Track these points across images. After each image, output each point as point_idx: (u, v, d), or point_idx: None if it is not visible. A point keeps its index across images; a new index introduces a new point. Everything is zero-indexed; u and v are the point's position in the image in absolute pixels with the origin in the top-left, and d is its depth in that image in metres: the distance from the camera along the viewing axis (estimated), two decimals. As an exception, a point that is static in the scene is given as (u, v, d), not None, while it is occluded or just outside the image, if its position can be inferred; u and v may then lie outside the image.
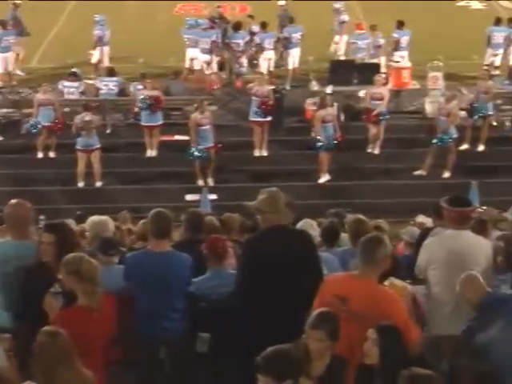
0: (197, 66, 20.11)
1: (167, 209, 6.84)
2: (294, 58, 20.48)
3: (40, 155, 17.40)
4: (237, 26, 20.19)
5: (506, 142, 17.41)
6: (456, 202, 6.76)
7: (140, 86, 18.12)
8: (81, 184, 16.64)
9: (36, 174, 17.11)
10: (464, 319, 5.81)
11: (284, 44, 20.57)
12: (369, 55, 20.38)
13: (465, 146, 17.52)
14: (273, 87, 18.24)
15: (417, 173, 16.86)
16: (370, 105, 17.37)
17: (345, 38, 21.50)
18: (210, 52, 19.63)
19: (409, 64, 20.06)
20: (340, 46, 21.67)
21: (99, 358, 5.78)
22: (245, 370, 5.55)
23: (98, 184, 16.70)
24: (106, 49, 21.09)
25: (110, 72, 19.36)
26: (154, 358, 6.52)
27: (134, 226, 11.54)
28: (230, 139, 17.24)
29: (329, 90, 18.28)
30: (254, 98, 17.35)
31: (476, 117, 17.39)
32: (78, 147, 16.39)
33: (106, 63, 20.97)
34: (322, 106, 16.73)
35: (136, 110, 17.54)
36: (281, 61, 20.95)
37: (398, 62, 20.09)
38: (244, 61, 19.96)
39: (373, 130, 17.47)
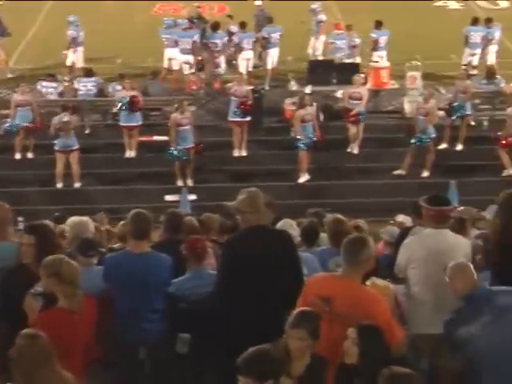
0: (175, 66, 20.07)
1: (146, 209, 6.81)
2: (272, 57, 20.48)
3: (18, 156, 17.29)
4: (215, 26, 20.17)
5: (483, 142, 17.46)
6: (435, 201, 6.78)
7: (118, 87, 18.08)
8: (59, 185, 16.55)
9: (14, 175, 16.97)
10: (443, 318, 5.81)
11: (263, 44, 20.56)
12: (345, 55, 20.42)
13: (443, 146, 17.61)
14: (252, 87, 18.26)
15: (396, 172, 16.91)
16: (349, 104, 17.41)
17: (322, 38, 21.46)
18: (190, 52, 19.59)
19: (387, 64, 20.14)
20: (318, 46, 21.62)
21: (79, 360, 5.76)
22: (225, 371, 5.55)
23: (77, 185, 16.62)
24: (81, 49, 20.94)
25: (88, 72, 19.23)
26: (134, 358, 6.50)
27: (112, 227, 11.49)
28: (209, 139, 17.18)
29: (308, 89, 18.33)
30: (232, 98, 17.34)
31: (454, 117, 17.47)
32: (56, 148, 16.31)
33: (81, 64, 20.85)
34: (301, 105, 16.73)
35: (115, 110, 17.48)
36: (259, 61, 20.94)
37: (377, 61, 20.14)
38: (222, 61, 19.94)
39: (352, 129, 17.51)
